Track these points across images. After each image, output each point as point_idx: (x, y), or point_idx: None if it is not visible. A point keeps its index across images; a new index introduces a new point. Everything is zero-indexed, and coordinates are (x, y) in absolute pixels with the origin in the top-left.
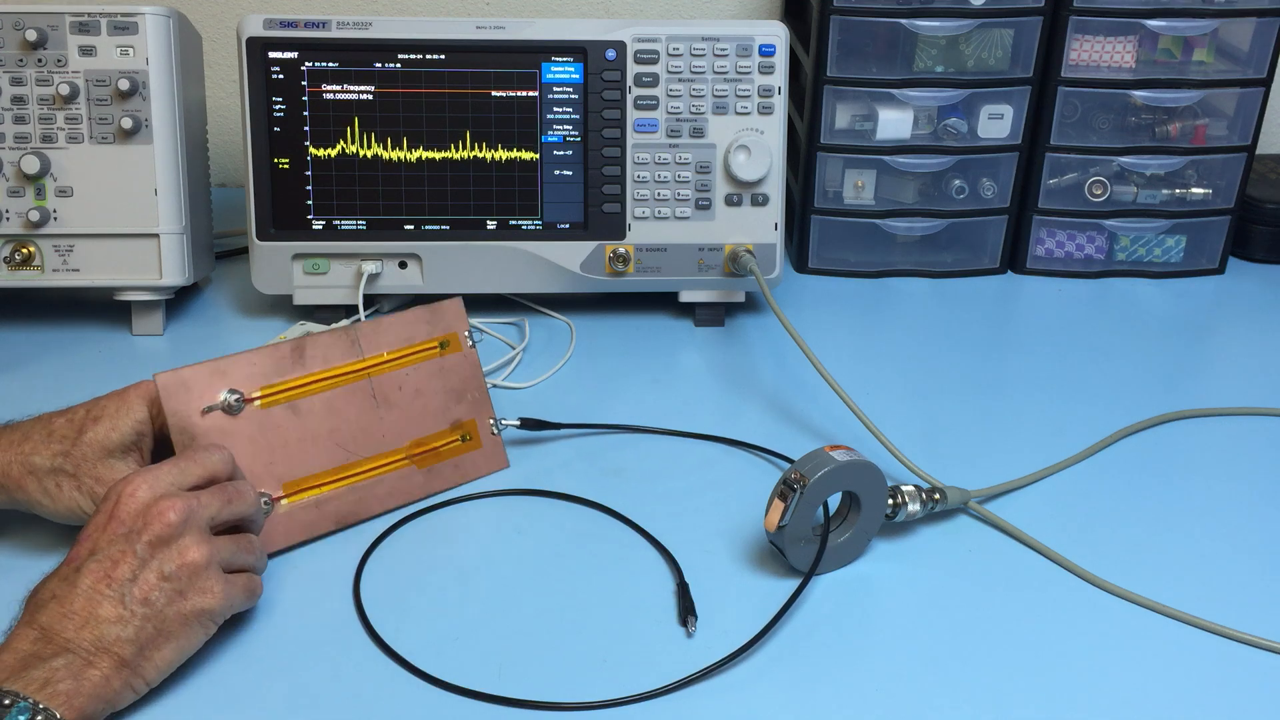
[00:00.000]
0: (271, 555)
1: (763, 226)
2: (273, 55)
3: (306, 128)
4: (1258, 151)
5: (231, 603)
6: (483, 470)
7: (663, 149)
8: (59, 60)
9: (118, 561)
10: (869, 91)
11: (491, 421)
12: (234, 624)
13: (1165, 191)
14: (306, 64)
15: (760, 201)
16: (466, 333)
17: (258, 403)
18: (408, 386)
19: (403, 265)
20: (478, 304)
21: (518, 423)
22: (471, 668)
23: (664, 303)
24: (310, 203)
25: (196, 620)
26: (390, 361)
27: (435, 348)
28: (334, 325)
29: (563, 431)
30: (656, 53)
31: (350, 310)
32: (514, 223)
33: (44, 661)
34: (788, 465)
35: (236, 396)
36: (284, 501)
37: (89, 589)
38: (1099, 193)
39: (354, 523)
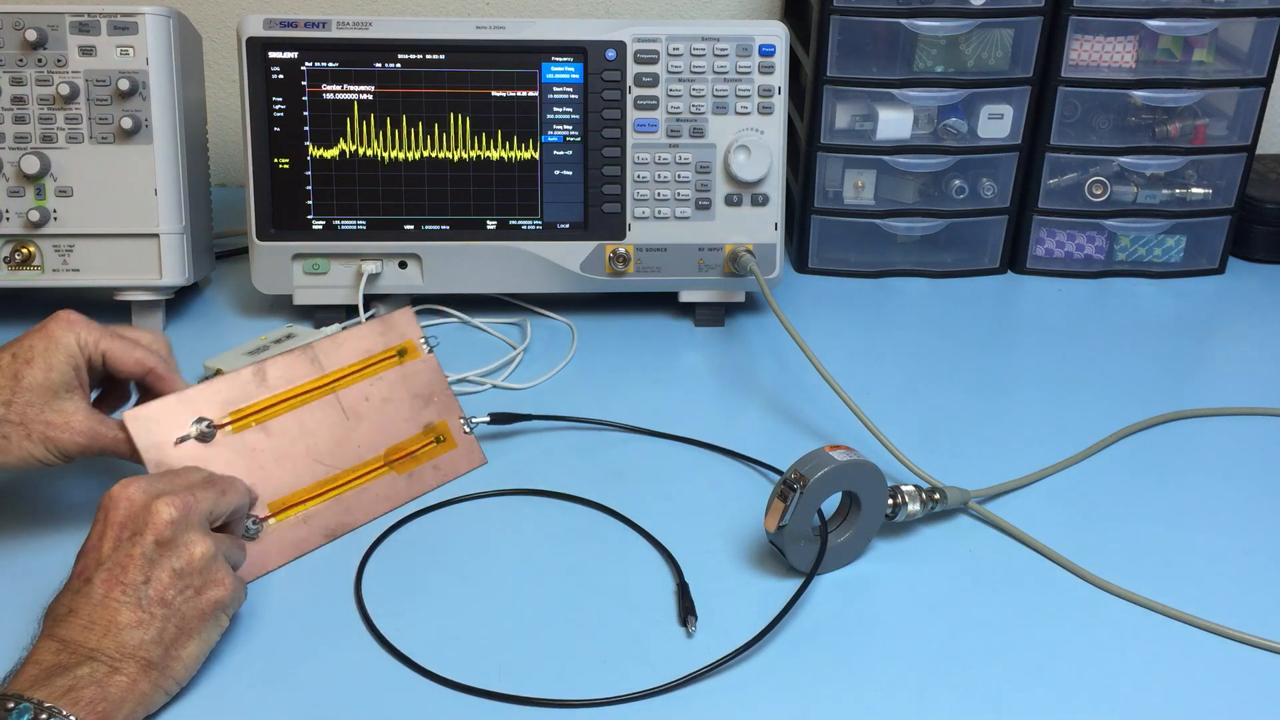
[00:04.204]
0: (267, 574)
1: (763, 226)
2: (273, 55)
3: (306, 128)
4: (1258, 151)
5: (238, 594)
6: (462, 468)
7: (663, 149)
8: (59, 60)
9: (126, 566)
10: (869, 91)
11: (461, 421)
12: (240, 625)
13: (1165, 191)
14: (306, 64)
15: (760, 201)
16: (421, 339)
17: (229, 428)
18: (374, 396)
19: (403, 265)
20: (478, 304)
21: (487, 419)
22: (472, 667)
23: (664, 303)
24: (310, 203)
25: (212, 614)
26: (352, 374)
27: (394, 356)
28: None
29: (563, 431)
30: (656, 53)
31: (350, 310)
32: (514, 223)
33: (68, 670)
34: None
35: (206, 424)
36: (271, 521)
37: (103, 597)
38: (1099, 193)
39: (343, 533)
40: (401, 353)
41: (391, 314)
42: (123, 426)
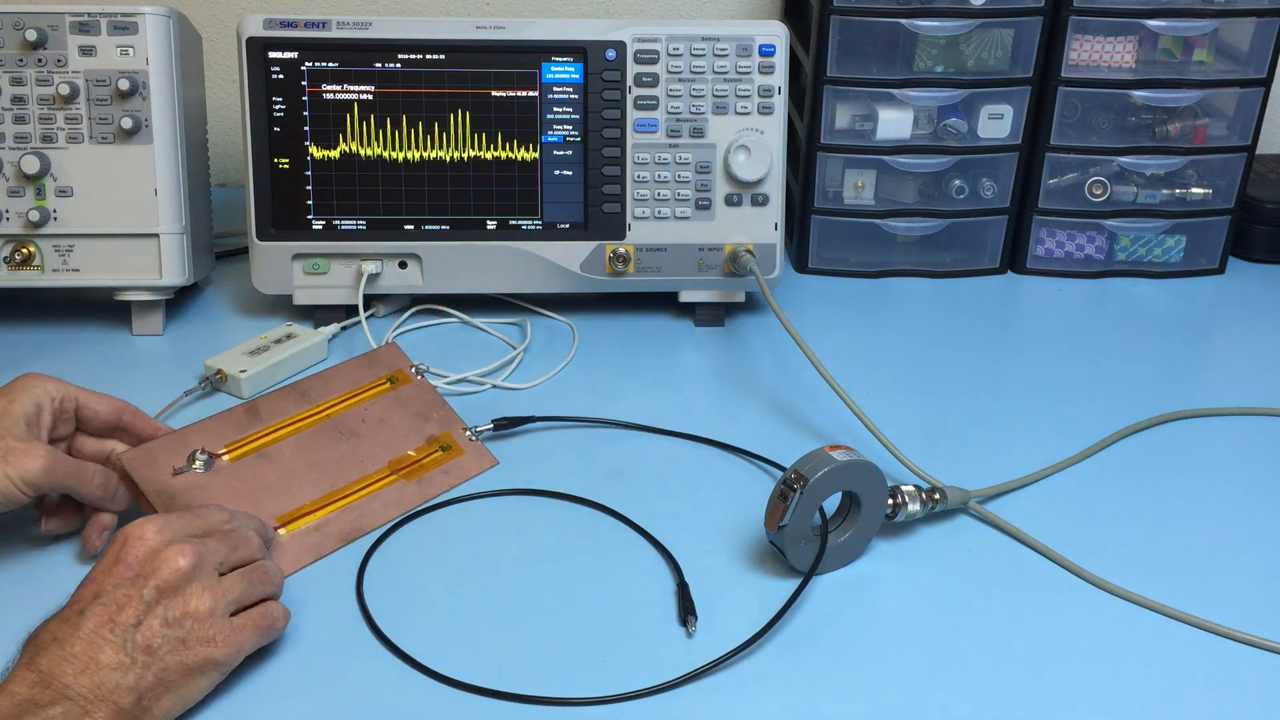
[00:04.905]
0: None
1: (763, 226)
2: (273, 55)
3: (306, 128)
4: (1258, 151)
5: (241, 648)
6: (473, 471)
7: (663, 149)
8: (59, 60)
9: (123, 606)
10: (869, 91)
11: (465, 431)
12: None
13: (1165, 191)
14: (306, 64)
15: (760, 201)
16: (410, 367)
17: (226, 457)
18: (371, 417)
19: (403, 265)
20: (478, 304)
21: (490, 426)
22: (472, 666)
23: (664, 303)
24: (310, 203)
25: (200, 670)
26: (345, 402)
27: (385, 384)
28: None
29: (563, 431)
30: (656, 53)
31: (350, 310)
32: (514, 223)
33: (41, 709)
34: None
35: (204, 454)
36: (281, 531)
37: (91, 633)
38: (1099, 193)
39: (358, 537)
40: (392, 380)
41: (376, 349)
42: (118, 465)
